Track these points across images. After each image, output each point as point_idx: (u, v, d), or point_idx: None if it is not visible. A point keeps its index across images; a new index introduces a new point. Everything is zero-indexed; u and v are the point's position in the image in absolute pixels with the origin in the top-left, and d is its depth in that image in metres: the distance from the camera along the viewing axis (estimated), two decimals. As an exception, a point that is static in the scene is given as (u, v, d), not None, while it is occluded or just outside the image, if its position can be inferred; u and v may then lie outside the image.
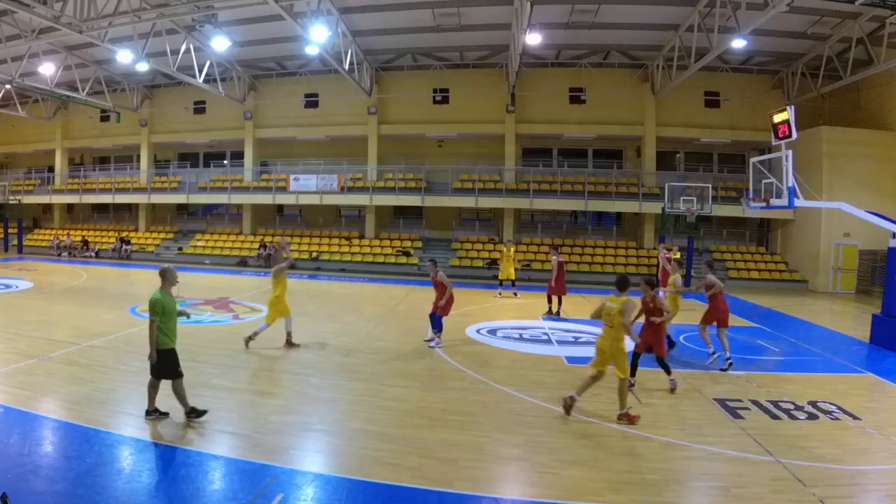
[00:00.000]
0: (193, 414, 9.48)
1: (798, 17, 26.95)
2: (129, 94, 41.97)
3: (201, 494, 7.26)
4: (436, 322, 15.86)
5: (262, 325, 14.85)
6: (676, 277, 15.81)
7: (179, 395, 9.49)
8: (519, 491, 7.75)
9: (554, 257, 21.65)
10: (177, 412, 9.58)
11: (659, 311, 11.76)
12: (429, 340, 16.03)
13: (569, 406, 10.24)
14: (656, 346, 11.74)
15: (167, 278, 9.83)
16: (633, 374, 11.50)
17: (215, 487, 7.50)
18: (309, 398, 11.09)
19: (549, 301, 21.45)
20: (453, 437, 9.20)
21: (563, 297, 21.64)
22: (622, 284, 10.36)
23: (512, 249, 26.60)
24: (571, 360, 14.59)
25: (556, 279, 21.22)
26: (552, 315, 20.90)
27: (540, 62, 36.38)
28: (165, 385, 9.44)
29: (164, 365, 9.33)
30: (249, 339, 14.73)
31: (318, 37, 26.06)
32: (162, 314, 9.37)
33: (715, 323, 14.04)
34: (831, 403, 11.24)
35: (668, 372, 11.89)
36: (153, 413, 9.50)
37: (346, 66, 31.93)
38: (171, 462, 8.07)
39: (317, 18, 25.40)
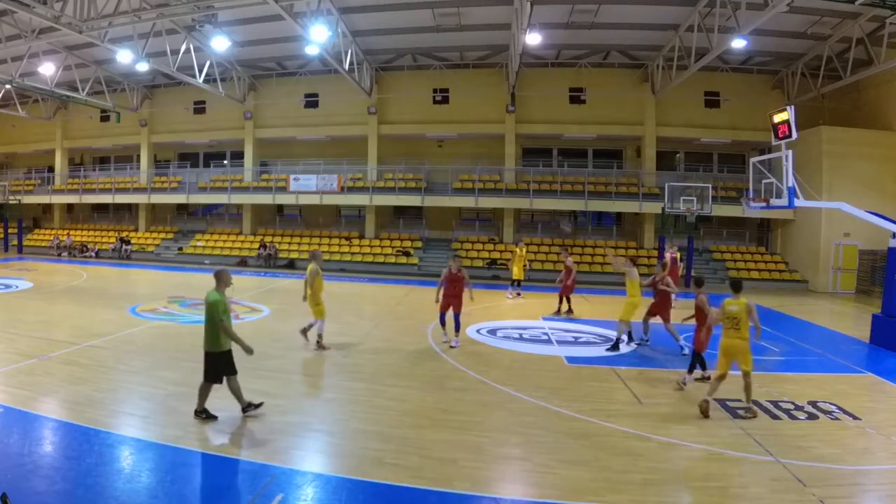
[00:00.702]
0: (204, 414, 9.55)
1: (798, 17, 26.95)
2: (129, 94, 41.97)
3: (201, 494, 7.32)
4: (456, 321, 15.93)
5: (318, 322, 14.99)
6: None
7: (203, 395, 9.61)
8: (519, 491, 7.75)
9: (566, 260, 21.79)
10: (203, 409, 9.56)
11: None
12: (449, 341, 16.10)
13: (706, 409, 10.45)
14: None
15: (222, 279, 9.91)
16: (703, 368, 12.48)
17: (215, 487, 7.56)
18: (309, 398, 11.19)
19: (562, 301, 21.50)
20: (453, 437, 9.21)
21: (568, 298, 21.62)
22: (738, 286, 10.78)
23: (524, 249, 26.59)
24: (571, 360, 14.62)
25: (564, 280, 21.38)
26: (559, 315, 20.97)
27: (540, 62, 36.39)
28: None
29: (218, 366, 9.53)
30: (319, 343, 14.91)
31: (318, 37, 26.09)
32: (226, 314, 9.46)
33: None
34: (831, 403, 11.27)
35: (691, 370, 12.40)
36: (248, 408, 9.72)
37: (346, 66, 31.95)
38: (170, 462, 8.04)
39: (317, 18, 25.44)
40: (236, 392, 9.68)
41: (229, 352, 9.65)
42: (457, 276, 15.97)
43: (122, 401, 10.67)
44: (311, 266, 14.90)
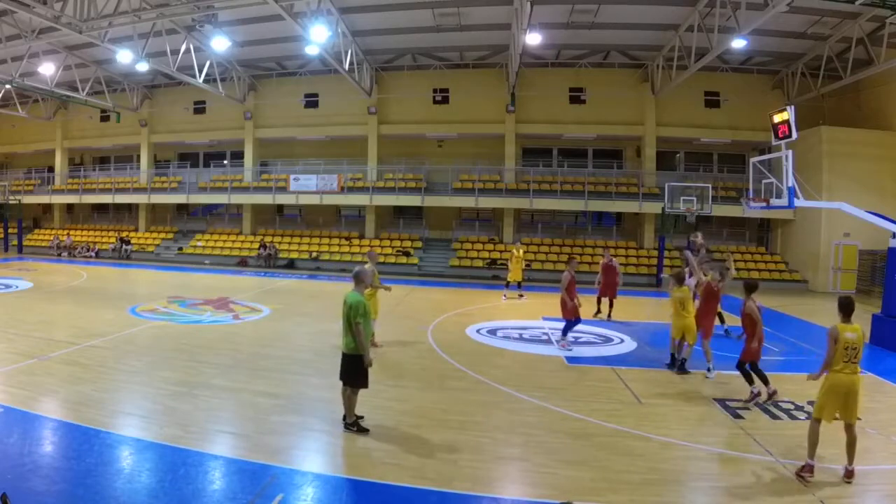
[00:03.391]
0: (355, 427, 9.34)
1: (798, 17, 27.04)
2: (129, 94, 42.02)
3: (201, 494, 7.27)
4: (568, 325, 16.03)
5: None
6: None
7: (350, 403, 9.42)
8: (519, 491, 7.77)
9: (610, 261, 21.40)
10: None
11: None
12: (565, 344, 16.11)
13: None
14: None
15: (362, 280, 9.63)
16: (749, 382, 11.41)
17: (215, 487, 7.51)
18: (309, 398, 11.13)
19: (606, 303, 21.04)
20: (453, 437, 9.22)
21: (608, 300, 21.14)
22: (851, 309, 8.41)
23: (521, 251, 25.98)
24: (571, 360, 14.63)
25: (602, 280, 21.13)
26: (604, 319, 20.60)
27: (540, 62, 36.44)
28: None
29: (360, 370, 9.27)
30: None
31: (318, 37, 26.16)
32: (363, 316, 9.23)
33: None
34: None
35: (763, 380, 11.42)
36: (352, 426, 9.38)
37: (346, 66, 32.01)
38: (170, 462, 8.03)
39: (317, 18, 25.51)
40: (349, 402, 9.44)
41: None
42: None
43: (122, 401, 10.65)
44: (368, 266, 14.93)
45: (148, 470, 7.83)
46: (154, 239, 42.47)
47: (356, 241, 38.44)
